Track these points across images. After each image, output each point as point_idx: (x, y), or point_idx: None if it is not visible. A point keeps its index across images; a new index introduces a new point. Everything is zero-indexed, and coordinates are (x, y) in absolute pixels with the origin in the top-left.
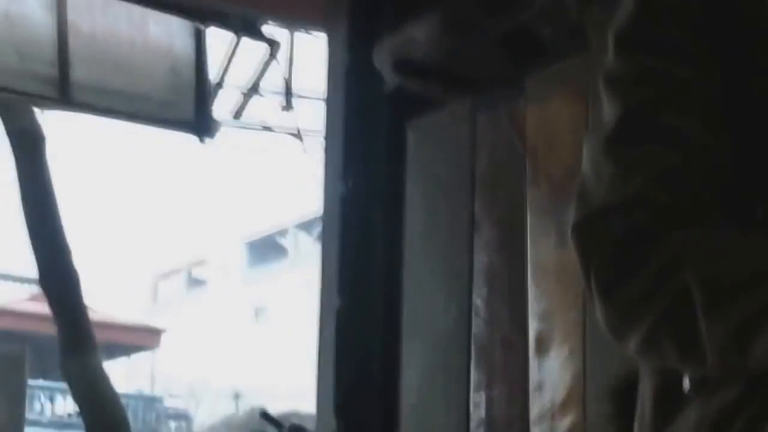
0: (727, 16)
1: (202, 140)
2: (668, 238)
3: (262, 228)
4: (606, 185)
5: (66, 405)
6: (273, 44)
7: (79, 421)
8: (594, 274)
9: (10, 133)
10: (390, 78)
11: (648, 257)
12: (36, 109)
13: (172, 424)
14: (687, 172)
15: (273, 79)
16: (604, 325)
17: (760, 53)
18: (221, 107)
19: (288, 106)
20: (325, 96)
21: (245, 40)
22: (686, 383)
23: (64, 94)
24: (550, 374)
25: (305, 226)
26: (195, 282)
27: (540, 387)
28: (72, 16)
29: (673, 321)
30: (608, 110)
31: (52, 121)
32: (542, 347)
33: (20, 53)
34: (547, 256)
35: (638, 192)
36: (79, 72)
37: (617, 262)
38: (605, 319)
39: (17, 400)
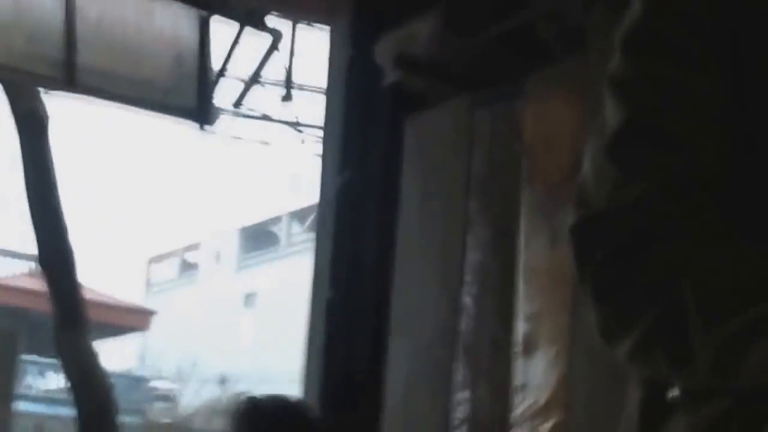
0: (737, 21)
1: (202, 127)
2: (668, 245)
3: (255, 216)
4: (607, 188)
5: (56, 380)
6: (276, 35)
7: (68, 397)
8: (590, 276)
9: (16, 113)
10: (390, 73)
11: (646, 264)
12: (41, 91)
13: (158, 405)
14: (690, 179)
15: (274, 71)
16: (597, 329)
17: None
18: (222, 96)
19: (288, 98)
20: (326, 88)
21: (248, 30)
22: (674, 393)
23: (70, 78)
24: (535, 376)
25: (298, 216)
26: (187, 266)
27: (524, 388)
28: (80, 1)
29: (666, 330)
30: (612, 113)
31: (55, 104)
32: (529, 348)
33: (28, 37)
34: (539, 257)
35: (640, 197)
36: (85, 56)
37: (615, 266)
38: (598, 324)
39: (8, 374)
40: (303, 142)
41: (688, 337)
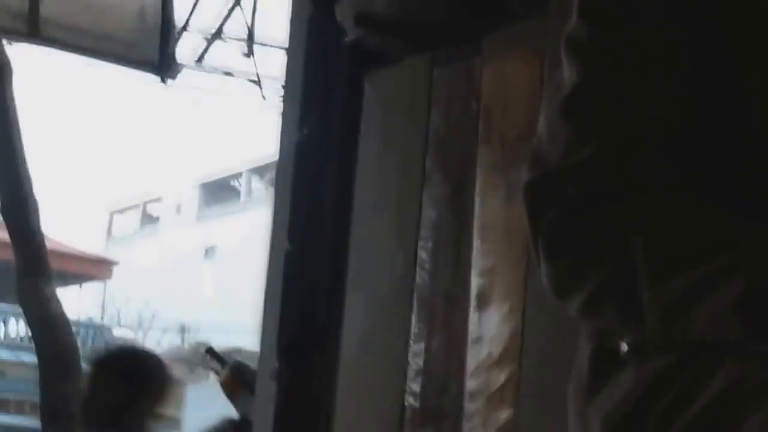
0: None
1: (164, 81)
2: (619, 203)
3: (216, 170)
4: (561, 147)
5: (19, 328)
6: None
7: (30, 344)
8: (542, 233)
9: None
10: (351, 31)
11: (598, 221)
12: (4, 42)
13: None
14: (643, 141)
15: (237, 27)
16: (547, 285)
17: (735, 28)
18: (185, 51)
19: (249, 53)
20: (286, 44)
21: None
22: (623, 347)
23: (33, 29)
24: (489, 329)
25: (258, 171)
26: (149, 218)
27: (478, 341)
28: None
29: (617, 286)
30: (568, 73)
31: (19, 54)
32: (483, 302)
33: None
34: (493, 214)
35: (593, 156)
36: (48, 8)
37: (567, 223)
38: (549, 279)
39: None
40: (264, 97)
41: (638, 292)
